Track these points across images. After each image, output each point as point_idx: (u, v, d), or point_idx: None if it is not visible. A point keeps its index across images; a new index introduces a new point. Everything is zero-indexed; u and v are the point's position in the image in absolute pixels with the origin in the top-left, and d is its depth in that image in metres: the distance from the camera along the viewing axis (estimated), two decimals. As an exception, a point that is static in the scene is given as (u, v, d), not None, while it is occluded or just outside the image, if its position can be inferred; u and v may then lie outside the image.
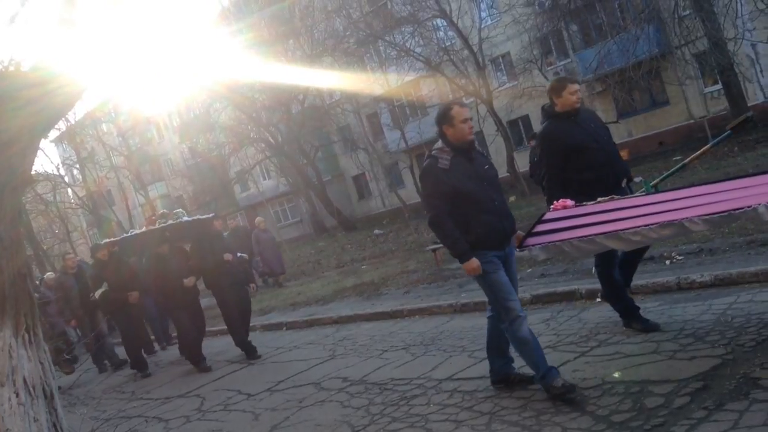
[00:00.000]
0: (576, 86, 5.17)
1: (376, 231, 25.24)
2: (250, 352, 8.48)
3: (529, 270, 8.73)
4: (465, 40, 24.87)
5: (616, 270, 5.27)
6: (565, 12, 24.38)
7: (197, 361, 8.69)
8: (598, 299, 6.43)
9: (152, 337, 11.52)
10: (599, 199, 4.76)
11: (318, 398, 5.80)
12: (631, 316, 5.20)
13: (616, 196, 4.81)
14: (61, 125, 34.24)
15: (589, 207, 4.76)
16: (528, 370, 4.55)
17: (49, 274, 13.00)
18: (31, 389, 2.54)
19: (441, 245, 12.18)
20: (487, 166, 4.64)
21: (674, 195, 4.64)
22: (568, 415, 3.92)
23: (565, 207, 4.89)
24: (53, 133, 38.47)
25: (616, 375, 4.34)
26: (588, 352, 4.92)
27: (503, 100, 26.82)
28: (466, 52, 25.43)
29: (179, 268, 8.61)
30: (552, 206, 4.99)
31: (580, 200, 4.86)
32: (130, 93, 33.47)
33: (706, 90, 24.36)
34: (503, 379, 4.70)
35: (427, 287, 9.82)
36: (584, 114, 5.31)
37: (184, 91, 30.52)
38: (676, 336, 4.73)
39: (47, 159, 58.58)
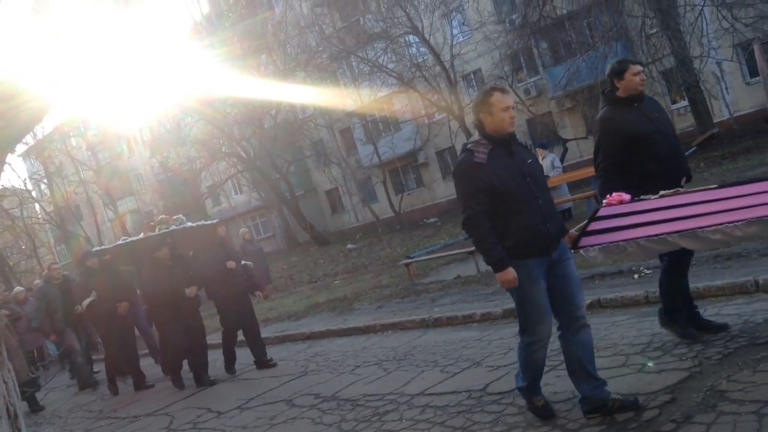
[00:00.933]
0: (639, 67, 4.64)
1: (349, 245, 25.21)
2: (267, 364, 8.03)
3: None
4: (437, 56, 25.11)
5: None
6: (535, 30, 24.71)
7: (176, 376, 8.32)
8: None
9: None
10: (662, 192, 4.27)
11: (289, 415, 5.74)
12: (679, 319, 4.77)
13: (681, 190, 4.35)
14: (29, 140, 33.84)
15: (651, 202, 4.25)
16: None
17: (18, 289, 12.55)
18: (-7, 409, 2.48)
19: (415, 259, 12.27)
20: (530, 160, 4.06)
21: (745, 189, 4.08)
22: (539, 429, 3.93)
23: (621, 202, 4.40)
24: (20, 148, 38.02)
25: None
26: (559, 366, 4.94)
27: (469, 119, 27.00)
28: (438, 68, 25.68)
29: (180, 276, 7.99)
30: (605, 200, 4.52)
31: (638, 194, 4.39)
32: (99, 107, 33.11)
33: (673, 107, 24.84)
34: (599, 407, 3.87)
35: (399, 302, 9.82)
36: (648, 101, 4.81)
37: (155, 106, 30.27)
38: (644, 349, 4.78)
39: (14, 174, 57.65)
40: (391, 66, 26.36)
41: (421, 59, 27.05)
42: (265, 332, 10.40)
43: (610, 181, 4.68)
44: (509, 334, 6.32)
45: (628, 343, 5.02)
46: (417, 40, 26.39)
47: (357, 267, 17.46)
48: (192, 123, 29.94)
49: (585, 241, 4.34)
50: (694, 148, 10.66)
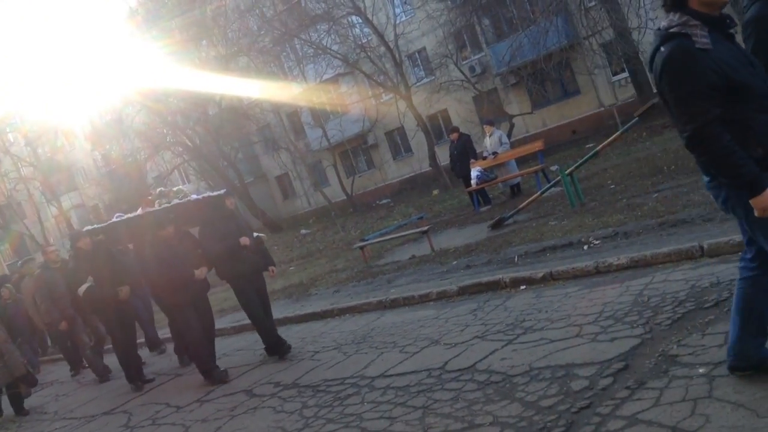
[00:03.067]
0: None
1: (303, 231, 25.10)
2: (281, 348, 7.15)
3: (454, 262, 8.84)
4: (381, 36, 25.01)
5: None
6: (476, 6, 24.85)
7: (210, 368, 7.08)
8: (522, 287, 6.59)
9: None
10: None
11: (250, 405, 5.69)
12: None
13: None
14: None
15: None
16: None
17: None
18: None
19: (369, 242, 12.26)
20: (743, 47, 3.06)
21: None
22: (499, 404, 3.98)
23: None
24: (-46, 146, 36.53)
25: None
26: (515, 340, 5.02)
27: (422, 96, 27.12)
28: (382, 48, 25.59)
29: (188, 256, 7.13)
30: None
31: None
32: (36, 100, 32.02)
33: (614, 78, 25.35)
34: (758, 364, 3.23)
35: (356, 285, 9.81)
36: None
37: (93, 98, 29.43)
38: (596, 319, 4.88)
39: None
40: (335, 48, 26.15)
41: (365, 40, 26.93)
42: (221, 323, 10.30)
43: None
44: (465, 311, 6.39)
45: (580, 314, 5.11)
46: (360, 20, 26.24)
47: (311, 252, 17.39)
48: (133, 114, 29.21)
49: None
50: (636, 118, 10.87)
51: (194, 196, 7.72)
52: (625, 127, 11.31)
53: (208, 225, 7.30)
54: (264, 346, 7.38)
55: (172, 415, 6.27)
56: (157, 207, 7.44)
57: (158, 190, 8.07)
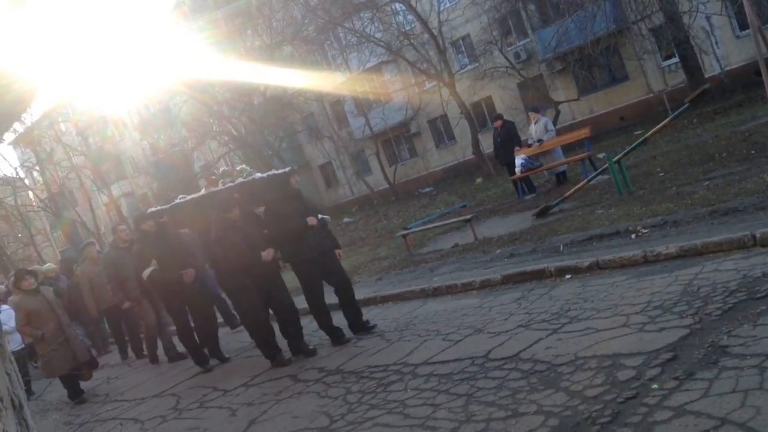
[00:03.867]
0: None
1: (346, 219, 25.22)
2: (337, 336, 6.96)
3: (498, 251, 8.79)
4: (424, 23, 24.85)
5: None
6: (522, -9, 24.50)
7: (274, 351, 6.94)
8: (568, 276, 6.52)
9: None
10: None
11: (295, 390, 5.78)
12: None
13: None
14: (18, 127, 33.55)
15: None
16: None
17: (50, 266, 12.26)
18: (-1, 400, 2.48)
19: (412, 230, 12.25)
20: None
21: None
22: (543, 393, 3.96)
23: None
24: (10, 136, 37.73)
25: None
26: (560, 329, 4.98)
27: (465, 83, 26.91)
28: (426, 35, 25.43)
29: (253, 237, 6.86)
30: None
31: None
32: (86, 90, 32.83)
33: (664, 64, 24.72)
34: None
35: (399, 273, 9.84)
36: None
37: (142, 88, 30.02)
38: (644, 308, 4.80)
39: (5, 162, 57.22)
40: (378, 36, 26.10)
41: (409, 27, 26.80)
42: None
43: None
44: (508, 300, 6.35)
45: (628, 303, 5.04)
46: (403, 7, 26.11)
47: (354, 240, 17.47)
48: (180, 103, 29.71)
49: None
50: (687, 104, 10.60)
51: (259, 175, 7.42)
52: (675, 113, 11.04)
53: (273, 204, 7.00)
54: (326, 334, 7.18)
55: (220, 398, 6.41)
56: (221, 186, 7.24)
57: (221, 169, 7.76)
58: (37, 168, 38.61)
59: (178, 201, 7.83)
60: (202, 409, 6.28)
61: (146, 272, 7.70)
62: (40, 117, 37.61)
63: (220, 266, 6.99)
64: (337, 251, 7.33)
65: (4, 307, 10.26)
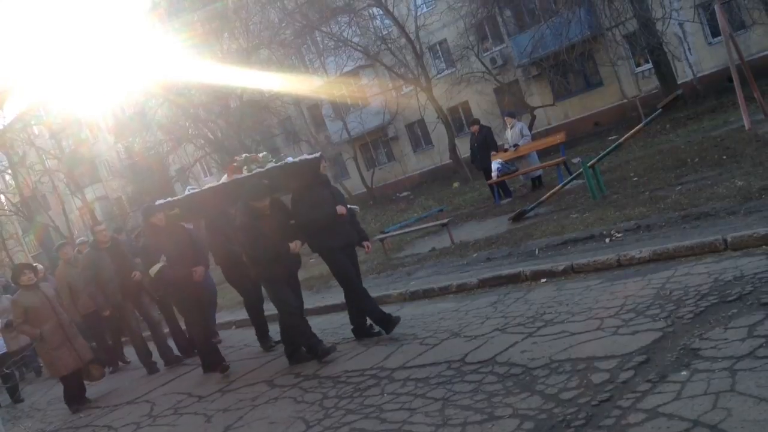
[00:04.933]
0: None
1: (323, 223, 25.07)
2: (364, 331, 6.69)
3: (474, 254, 8.82)
4: (402, 28, 24.92)
5: None
6: (498, -3, 24.67)
7: (315, 341, 6.48)
8: (543, 280, 6.57)
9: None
10: None
11: (271, 396, 5.74)
12: None
13: None
14: (-11, 130, 33.09)
15: None
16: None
17: (37, 266, 11.83)
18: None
19: (389, 234, 12.26)
20: None
21: None
22: (519, 396, 3.98)
23: None
24: (-20, 139, 37.14)
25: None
26: (535, 333, 5.01)
27: (442, 88, 27.01)
28: (403, 40, 25.50)
29: (282, 226, 6.44)
30: None
31: None
32: (60, 93, 32.40)
33: (638, 70, 25.06)
34: None
35: (376, 277, 9.83)
36: None
37: (117, 91, 29.69)
38: (618, 312, 4.85)
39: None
40: (356, 40, 26.11)
41: (386, 32, 26.84)
42: (242, 314, 10.33)
43: None
44: (485, 304, 6.38)
45: (602, 307, 5.09)
46: (381, 12, 26.14)
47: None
48: (156, 107, 29.43)
49: None
50: (660, 110, 10.76)
51: (290, 159, 6.92)
52: (649, 119, 11.20)
53: (302, 192, 6.54)
54: (352, 327, 6.84)
55: (195, 404, 6.35)
56: (246, 173, 6.67)
57: (243, 156, 7.14)
58: (9, 172, 38.00)
59: (193, 191, 7.48)
60: (177, 415, 6.22)
61: (154, 269, 7.19)
62: (13, 119, 37.04)
63: (253, 260, 6.47)
64: (366, 243, 6.94)
65: None
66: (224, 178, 7.05)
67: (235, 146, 29.28)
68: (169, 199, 7.52)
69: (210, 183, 7.54)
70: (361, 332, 6.74)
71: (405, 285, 8.40)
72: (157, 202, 7.47)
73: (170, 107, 28.14)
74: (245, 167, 6.75)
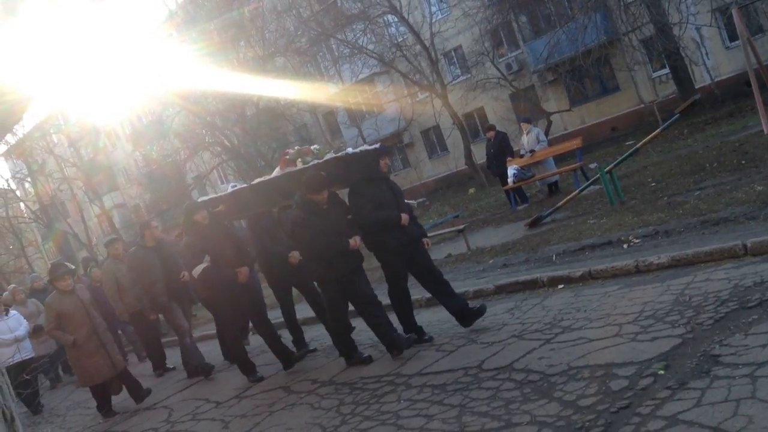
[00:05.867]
0: None
1: (339, 230, 25.11)
2: (469, 317, 6.15)
3: (491, 261, 8.80)
4: (417, 35, 24.95)
5: None
6: (513, 3, 24.64)
7: (350, 349, 6.39)
8: (560, 286, 6.53)
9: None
10: None
11: (288, 402, 5.76)
12: None
13: None
14: (10, 139, 33.49)
15: None
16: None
17: (34, 276, 11.51)
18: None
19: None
20: None
21: None
22: (537, 403, 3.96)
23: None
24: (1, 148, 37.66)
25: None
26: (553, 339, 4.98)
27: (458, 94, 27.01)
28: (418, 47, 25.53)
29: (340, 222, 6.09)
30: None
31: None
32: (79, 101, 32.77)
33: (655, 75, 24.90)
34: None
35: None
36: None
37: (134, 99, 29.98)
38: (636, 318, 4.81)
39: (-3, 174, 57.02)
40: (371, 47, 26.18)
41: (401, 39, 26.89)
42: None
43: None
44: (501, 310, 6.36)
45: (620, 313, 5.05)
46: (396, 19, 26.20)
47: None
48: (173, 115, 29.69)
49: None
50: (678, 115, 10.68)
51: (350, 150, 6.53)
52: (666, 123, 11.11)
53: (362, 186, 6.18)
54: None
55: (212, 410, 6.38)
56: (300, 166, 6.31)
57: (295, 148, 6.88)
58: (29, 179, 38.45)
59: (237, 186, 7.11)
60: (195, 421, 6.25)
61: (197, 269, 6.70)
62: (32, 128, 37.51)
63: (311, 258, 6.16)
64: (425, 240, 6.61)
65: (13, 312, 9.67)
66: (276, 172, 6.69)
67: (251, 154, 29.49)
68: (212, 195, 7.18)
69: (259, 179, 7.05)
70: (467, 316, 6.15)
71: (420, 291, 8.36)
72: (200, 199, 7.21)
73: (187, 115, 28.40)
74: (299, 159, 6.40)
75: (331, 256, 5.96)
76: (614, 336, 4.61)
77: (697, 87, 21.62)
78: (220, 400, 6.63)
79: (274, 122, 30.99)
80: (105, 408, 7.77)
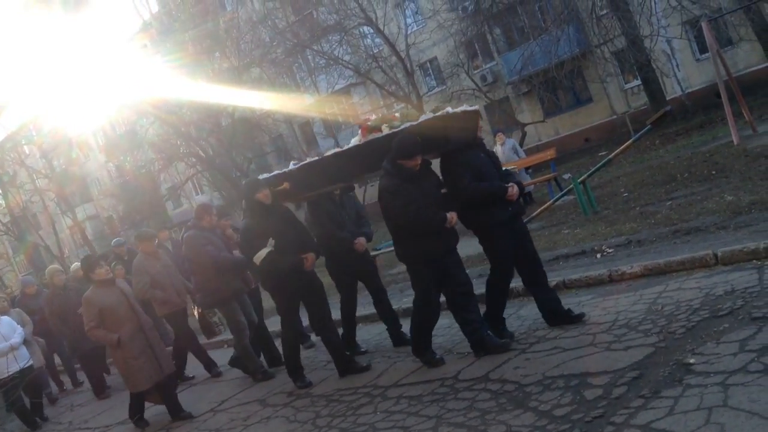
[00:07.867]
0: None
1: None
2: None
3: (467, 271, 8.80)
4: (392, 46, 25.05)
5: None
6: (487, 16, 24.86)
7: (428, 344, 5.61)
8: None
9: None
10: None
11: (263, 415, 5.71)
12: None
13: None
14: (-21, 150, 32.96)
15: None
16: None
17: (76, 265, 10.08)
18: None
19: (382, 251, 12.22)
20: None
21: None
22: (512, 413, 3.97)
23: None
24: (-30, 159, 36.97)
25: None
26: (528, 349, 5.01)
27: (433, 105, 26.99)
28: (394, 58, 25.63)
29: (434, 194, 5.37)
30: None
31: None
32: (52, 111, 32.37)
33: (627, 86, 25.27)
34: None
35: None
36: None
37: (107, 110, 29.70)
38: (610, 327, 4.86)
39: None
40: (347, 58, 26.23)
41: (377, 50, 26.99)
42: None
43: None
44: (478, 320, 6.35)
45: (594, 322, 5.10)
46: (371, 31, 26.29)
47: (323, 261, 17.33)
48: (147, 125, 29.42)
49: None
50: (649, 126, 10.84)
51: (450, 110, 5.49)
52: (638, 134, 11.28)
53: (457, 154, 5.41)
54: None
55: (186, 425, 6.30)
56: (386, 131, 5.50)
57: (381, 114, 6.12)
58: (0, 191, 37.84)
59: (309, 160, 6.29)
60: (169, 436, 6.16)
61: (260, 255, 5.91)
62: (3, 139, 36.99)
63: (396, 226, 5.45)
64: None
65: (5, 318, 8.78)
66: (355, 140, 5.87)
67: (226, 164, 29.32)
68: (276, 172, 6.43)
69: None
70: (556, 318, 5.44)
71: (398, 302, 8.38)
72: (262, 176, 6.45)
73: (161, 126, 28.14)
74: (385, 125, 5.57)
75: (423, 232, 5.23)
76: (588, 345, 4.65)
77: (668, 98, 21.96)
78: (194, 414, 6.54)
79: (249, 133, 30.84)
80: (137, 415, 6.85)
